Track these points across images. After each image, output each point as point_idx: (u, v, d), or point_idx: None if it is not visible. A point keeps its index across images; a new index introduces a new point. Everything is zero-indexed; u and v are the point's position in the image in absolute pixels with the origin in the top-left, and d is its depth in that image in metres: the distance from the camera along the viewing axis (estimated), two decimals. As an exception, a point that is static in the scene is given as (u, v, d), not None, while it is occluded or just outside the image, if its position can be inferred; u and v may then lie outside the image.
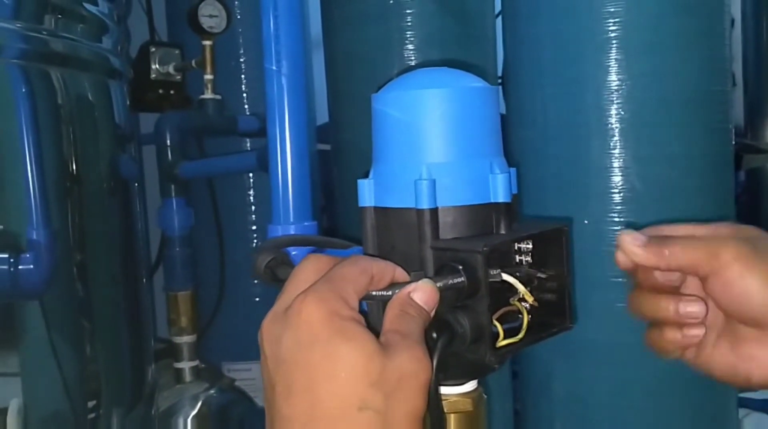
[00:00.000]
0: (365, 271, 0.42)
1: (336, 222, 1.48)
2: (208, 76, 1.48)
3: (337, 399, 0.38)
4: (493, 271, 0.44)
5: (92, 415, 0.90)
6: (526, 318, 0.46)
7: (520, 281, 0.45)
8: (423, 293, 0.42)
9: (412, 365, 0.40)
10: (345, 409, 0.38)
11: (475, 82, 0.47)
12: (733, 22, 1.13)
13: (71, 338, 0.88)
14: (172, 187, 1.45)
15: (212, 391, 1.43)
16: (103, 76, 0.96)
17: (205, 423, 1.40)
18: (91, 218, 0.91)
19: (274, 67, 0.61)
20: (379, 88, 0.49)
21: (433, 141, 0.46)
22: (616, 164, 0.96)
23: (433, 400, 0.41)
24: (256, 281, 1.67)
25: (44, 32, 0.85)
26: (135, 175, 1.10)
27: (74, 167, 0.88)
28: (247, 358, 1.68)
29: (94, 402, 0.90)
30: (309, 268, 0.44)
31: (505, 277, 0.45)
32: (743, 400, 1.40)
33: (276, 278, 0.49)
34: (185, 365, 1.45)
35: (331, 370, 0.38)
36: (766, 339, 0.46)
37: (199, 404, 1.40)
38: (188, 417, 1.39)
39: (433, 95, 0.46)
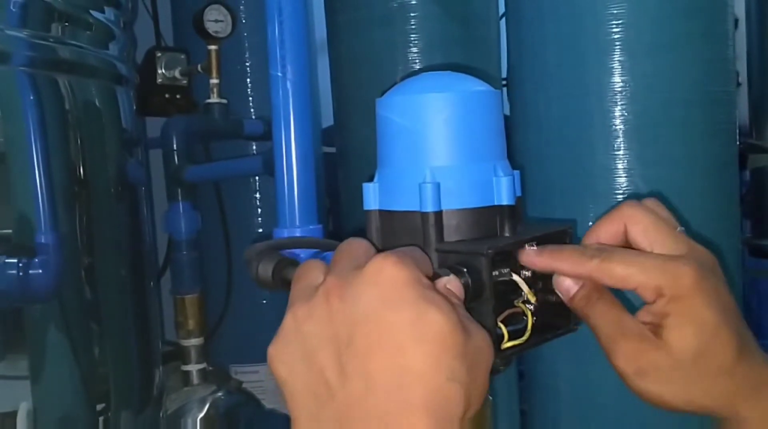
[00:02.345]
0: (426, 258, 0.43)
1: (341, 224, 1.49)
2: (214, 81, 1.48)
3: (427, 364, 0.36)
4: (503, 270, 0.45)
5: (101, 418, 0.90)
6: (530, 320, 0.46)
7: (526, 282, 0.46)
8: (456, 285, 0.42)
9: (486, 346, 0.39)
10: (435, 375, 0.36)
11: (478, 86, 0.48)
12: (736, 22, 1.14)
13: (80, 341, 0.88)
14: (179, 190, 1.45)
15: (220, 394, 1.44)
16: (109, 82, 0.97)
17: (213, 425, 1.40)
18: (99, 222, 0.92)
19: (279, 73, 0.61)
20: (383, 92, 0.49)
21: (437, 144, 0.46)
22: (620, 166, 0.96)
23: None
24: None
25: (51, 40, 0.85)
26: (142, 179, 1.11)
27: (82, 172, 0.88)
28: (255, 361, 1.69)
29: (102, 405, 0.90)
30: (361, 242, 0.43)
31: (515, 277, 0.45)
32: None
33: (288, 282, 0.49)
34: (193, 368, 1.45)
35: (421, 334, 0.37)
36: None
37: (207, 407, 1.41)
38: (196, 419, 1.39)
39: (436, 99, 0.46)
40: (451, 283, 0.42)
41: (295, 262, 0.50)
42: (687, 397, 0.44)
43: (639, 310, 0.45)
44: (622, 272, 0.44)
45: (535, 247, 0.45)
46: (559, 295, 0.46)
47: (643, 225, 0.46)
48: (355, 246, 0.43)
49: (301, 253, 0.55)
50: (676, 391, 0.44)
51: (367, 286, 0.38)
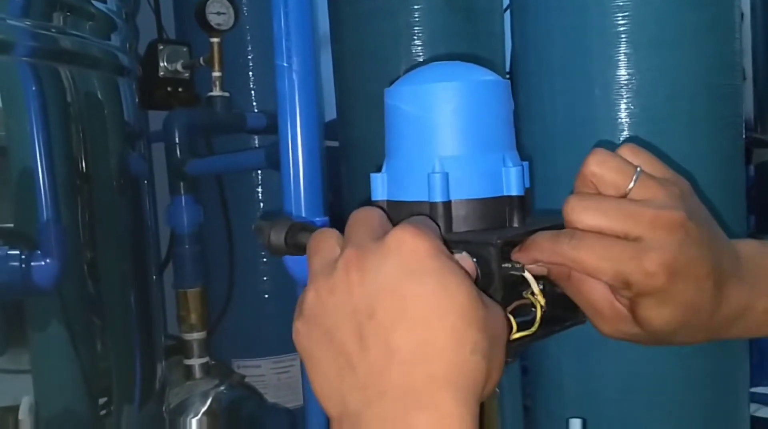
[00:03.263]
0: (437, 228, 0.43)
1: (343, 219, 1.48)
2: (216, 74, 1.48)
3: (451, 337, 0.36)
4: (517, 264, 0.44)
5: (103, 412, 0.90)
6: (539, 311, 0.45)
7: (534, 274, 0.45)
8: (469, 263, 0.42)
9: (502, 319, 0.40)
10: (459, 348, 0.36)
11: (487, 76, 0.47)
12: (742, 15, 1.13)
13: (82, 335, 0.88)
14: (181, 184, 1.45)
15: (222, 388, 1.44)
16: (112, 73, 0.96)
17: (215, 419, 1.40)
18: (101, 215, 0.91)
19: (285, 64, 0.61)
20: (391, 83, 0.48)
21: (445, 134, 0.45)
22: (625, 159, 0.96)
23: None
24: (265, 277, 1.69)
25: (53, 30, 0.85)
26: (144, 172, 1.10)
27: (84, 165, 0.88)
28: (257, 355, 1.69)
29: (105, 399, 0.90)
30: (374, 211, 0.43)
31: (526, 274, 0.44)
32: (755, 395, 1.40)
33: (302, 247, 0.48)
34: (195, 362, 1.45)
35: (444, 307, 0.36)
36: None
37: (209, 401, 1.41)
38: (198, 413, 1.39)
39: (445, 89, 0.45)
40: (463, 260, 0.41)
41: (307, 227, 0.50)
42: (670, 344, 0.46)
43: None
44: (593, 266, 0.42)
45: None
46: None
47: (605, 227, 0.42)
48: (369, 215, 0.43)
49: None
50: (659, 343, 0.46)
51: (388, 258, 0.38)
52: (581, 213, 0.43)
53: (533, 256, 0.44)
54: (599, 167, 0.44)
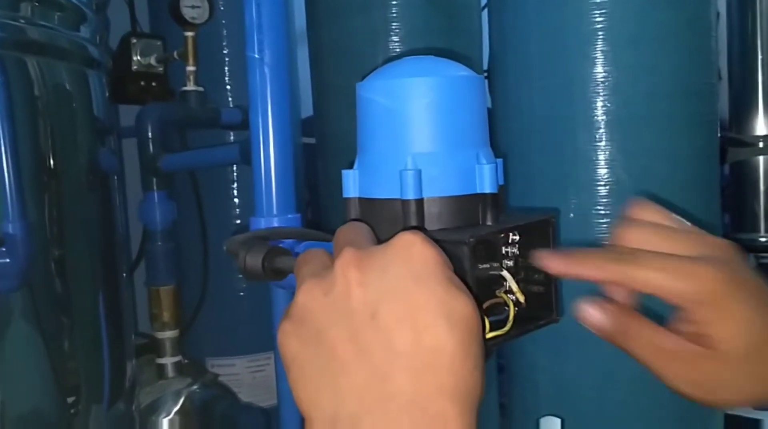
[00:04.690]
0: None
1: (320, 215, 1.47)
2: (191, 68, 1.46)
3: (459, 350, 0.35)
4: (494, 264, 0.43)
5: (71, 411, 0.88)
6: (512, 310, 0.45)
7: (509, 272, 0.44)
8: None
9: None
10: (465, 362, 0.35)
11: (461, 71, 0.46)
12: (718, 15, 1.13)
13: (49, 334, 0.86)
14: (154, 180, 1.43)
15: (195, 387, 1.42)
16: (81, 65, 0.94)
17: (188, 419, 1.39)
18: (69, 212, 0.89)
19: (256, 56, 0.60)
20: (364, 77, 0.47)
21: (419, 130, 0.44)
22: (601, 157, 0.96)
23: None
24: (240, 275, 1.67)
25: (21, 20, 0.83)
26: (114, 168, 1.08)
27: (51, 160, 0.86)
28: (231, 354, 1.67)
29: (73, 398, 0.89)
30: (364, 224, 0.42)
31: (505, 273, 0.44)
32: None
33: (279, 272, 0.47)
34: (168, 361, 1.43)
35: (454, 317, 0.36)
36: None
37: (182, 400, 1.39)
38: (171, 413, 1.37)
39: (419, 84, 0.44)
40: None
41: (285, 252, 0.48)
42: (739, 396, 0.44)
43: (676, 320, 0.44)
44: (647, 277, 0.42)
45: (558, 252, 0.44)
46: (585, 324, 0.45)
47: (650, 245, 0.43)
48: (360, 226, 0.42)
49: (294, 245, 0.53)
50: (731, 392, 0.44)
51: (395, 260, 0.37)
52: (641, 234, 0.44)
53: (589, 275, 0.44)
54: (644, 212, 0.46)
